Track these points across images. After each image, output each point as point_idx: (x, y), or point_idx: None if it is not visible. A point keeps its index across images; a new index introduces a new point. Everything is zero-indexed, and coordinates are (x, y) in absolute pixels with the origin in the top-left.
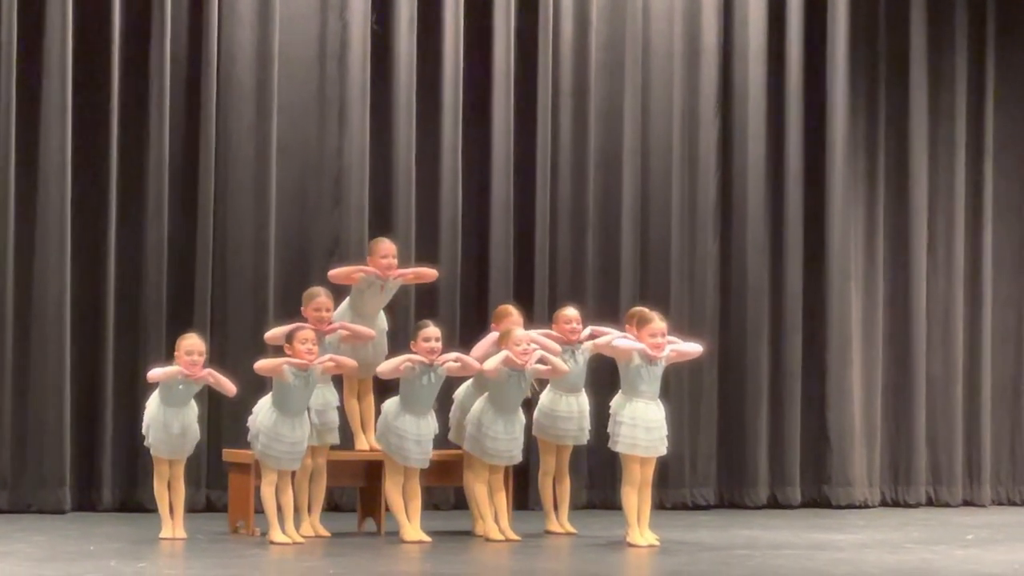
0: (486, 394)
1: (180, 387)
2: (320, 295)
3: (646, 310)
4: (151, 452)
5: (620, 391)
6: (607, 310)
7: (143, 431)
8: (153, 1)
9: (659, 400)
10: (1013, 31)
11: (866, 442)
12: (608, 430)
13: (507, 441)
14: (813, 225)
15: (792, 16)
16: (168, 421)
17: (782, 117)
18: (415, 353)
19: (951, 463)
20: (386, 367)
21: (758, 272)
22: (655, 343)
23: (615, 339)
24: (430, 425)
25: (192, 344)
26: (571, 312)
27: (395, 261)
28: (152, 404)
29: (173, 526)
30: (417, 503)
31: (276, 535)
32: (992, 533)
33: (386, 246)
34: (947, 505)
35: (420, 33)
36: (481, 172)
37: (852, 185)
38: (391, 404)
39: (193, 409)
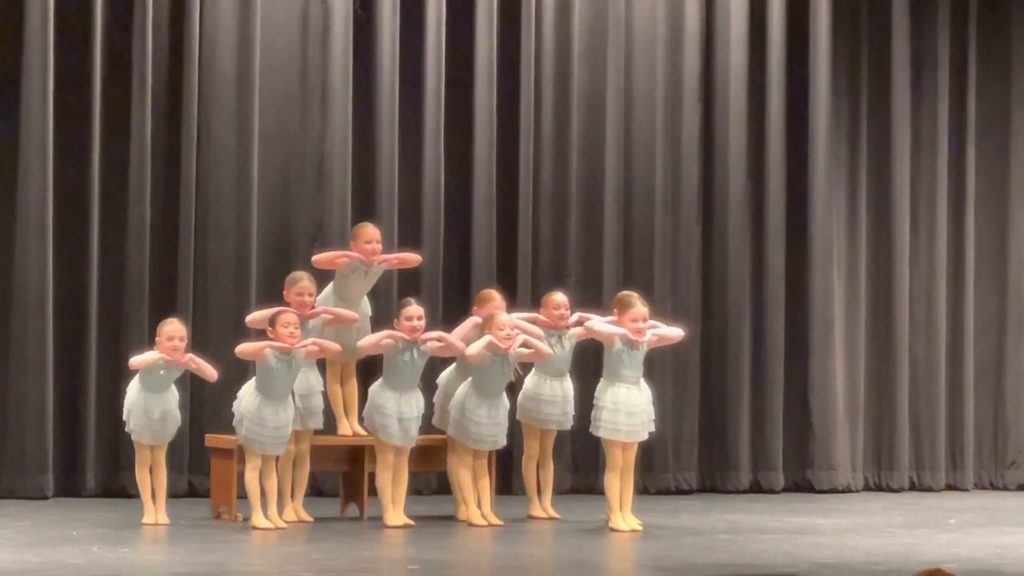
0: (470, 379)
1: (161, 372)
2: (303, 279)
3: (629, 294)
4: (132, 438)
5: (603, 376)
6: (591, 295)
7: (124, 417)
8: None
9: (643, 384)
10: (995, 14)
11: (849, 426)
12: (591, 415)
13: (491, 426)
14: (795, 210)
15: (774, 1)
16: (149, 407)
17: (764, 102)
18: (397, 331)
19: (934, 447)
20: (367, 341)
21: (740, 257)
22: (636, 327)
23: (596, 323)
24: (413, 404)
25: (173, 329)
26: (559, 297)
27: (379, 246)
28: (132, 390)
29: (156, 512)
30: (403, 488)
31: (259, 520)
32: (975, 517)
33: (370, 231)
34: (930, 489)
35: (402, 18)
36: (464, 158)
37: (834, 169)
38: (376, 384)
39: (174, 394)
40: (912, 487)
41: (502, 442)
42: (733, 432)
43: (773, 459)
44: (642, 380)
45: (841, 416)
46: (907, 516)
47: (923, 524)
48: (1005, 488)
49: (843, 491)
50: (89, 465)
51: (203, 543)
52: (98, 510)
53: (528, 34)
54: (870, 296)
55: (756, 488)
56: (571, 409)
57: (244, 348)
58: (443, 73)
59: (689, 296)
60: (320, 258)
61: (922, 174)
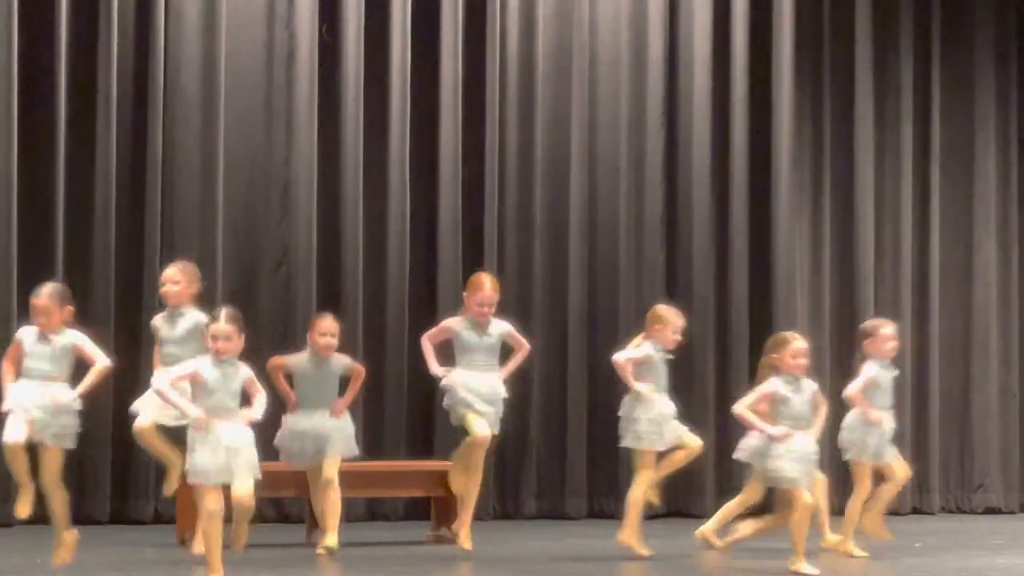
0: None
1: None
2: (327, 319)
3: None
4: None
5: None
6: (556, 319)
7: None
8: (100, 11)
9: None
10: (958, 37)
11: None
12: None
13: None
14: (759, 234)
15: (737, 25)
16: None
17: (727, 127)
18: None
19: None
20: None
21: (704, 282)
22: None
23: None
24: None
25: None
26: (799, 345)
27: (334, 340)
28: None
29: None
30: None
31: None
32: (940, 540)
33: (326, 324)
34: (896, 513)
35: (367, 42)
36: (429, 181)
37: (798, 194)
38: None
39: None
40: None
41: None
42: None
43: (738, 485)
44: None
45: None
46: (872, 540)
47: (889, 548)
48: (972, 511)
49: None
50: None
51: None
52: None
53: (493, 58)
54: (834, 321)
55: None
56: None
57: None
58: (408, 97)
59: None
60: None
61: (886, 198)
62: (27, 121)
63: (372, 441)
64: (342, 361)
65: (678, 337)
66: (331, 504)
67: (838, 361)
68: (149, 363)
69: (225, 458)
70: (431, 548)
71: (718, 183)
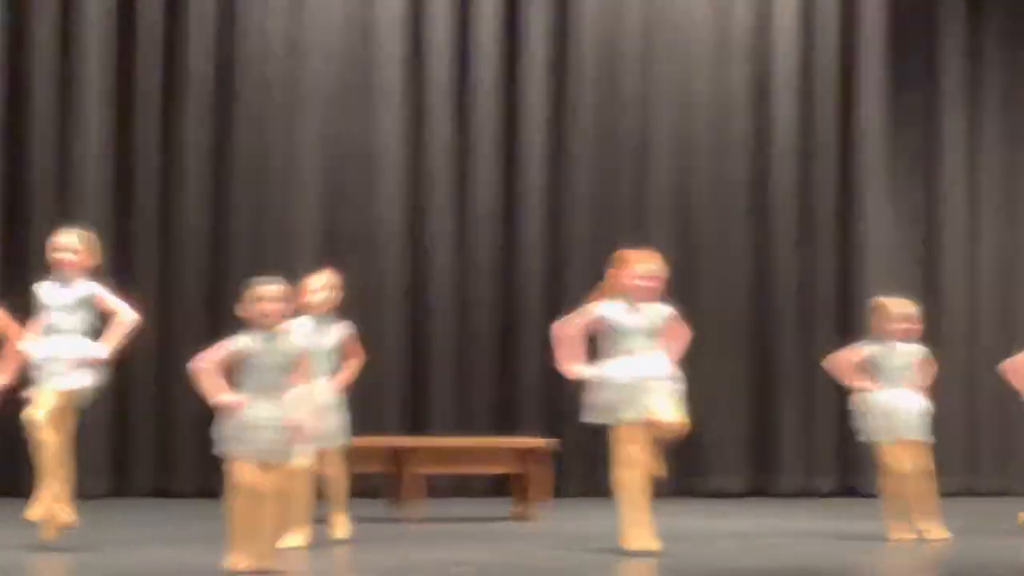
0: None
1: None
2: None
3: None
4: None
5: None
6: None
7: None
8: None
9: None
10: None
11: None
12: None
13: None
14: (845, 218)
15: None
16: None
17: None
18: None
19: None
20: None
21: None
22: None
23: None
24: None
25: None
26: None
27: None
28: None
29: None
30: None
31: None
32: None
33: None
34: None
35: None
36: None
37: (888, 174)
38: None
39: None
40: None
41: None
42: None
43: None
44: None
45: None
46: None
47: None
48: None
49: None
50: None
51: None
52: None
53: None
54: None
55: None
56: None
57: None
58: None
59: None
60: None
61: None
62: (119, 100)
63: (461, 417)
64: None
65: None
66: None
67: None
68: None
69: None
70: (514, 524)
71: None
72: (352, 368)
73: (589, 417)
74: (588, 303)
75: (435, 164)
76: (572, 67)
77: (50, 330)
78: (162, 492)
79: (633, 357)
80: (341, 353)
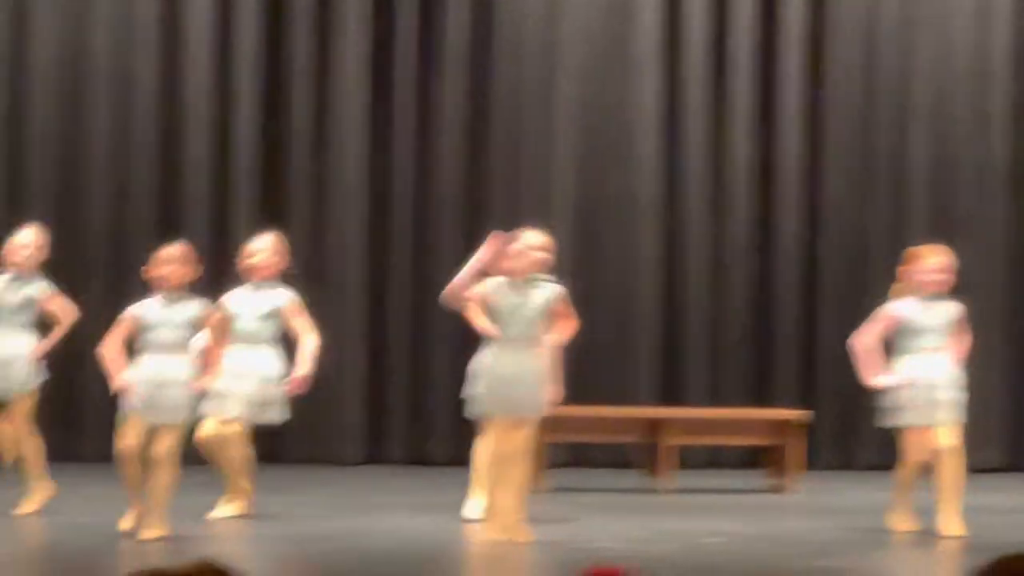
0: None
1: None
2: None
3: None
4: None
5: None
6: None
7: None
8: None
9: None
10: None
11: None
12: None
13: None
14: None
15: None
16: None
17: None
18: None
19: None
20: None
21: None
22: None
23: None
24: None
25: None
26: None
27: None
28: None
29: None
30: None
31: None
32: None
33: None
34: None
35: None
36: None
37: None
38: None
39: None
40: None
41: None
42: None
43: None
44: None
45: None
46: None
47: None
48: None
49: None
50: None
51: None
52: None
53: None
54: None
55: None
56: None
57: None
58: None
59: None
60: None
61: None
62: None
63: (715, 388)
64: None
65: None
66: None
67: None
68: None
69: None
70: (769, 497)
71: None
72: (564, 332)
73: (884, 421)
74: (880, 308)
75: (691, 129)
76: (828, 36)
77: (238, 338)
78: (418, 460)
79: (925, 356)
80: (548, 317)
